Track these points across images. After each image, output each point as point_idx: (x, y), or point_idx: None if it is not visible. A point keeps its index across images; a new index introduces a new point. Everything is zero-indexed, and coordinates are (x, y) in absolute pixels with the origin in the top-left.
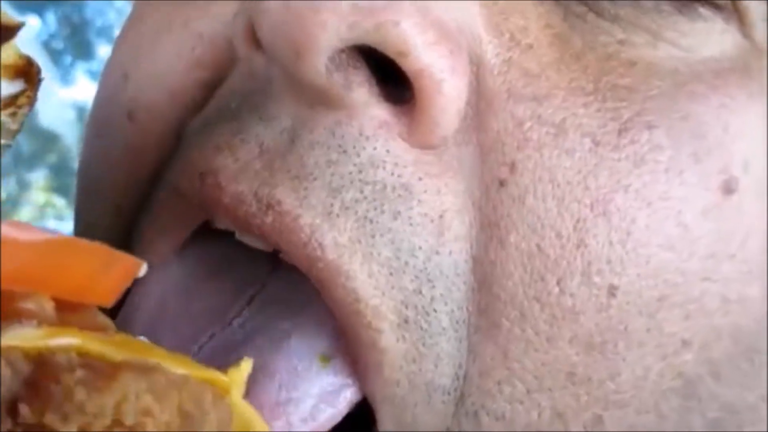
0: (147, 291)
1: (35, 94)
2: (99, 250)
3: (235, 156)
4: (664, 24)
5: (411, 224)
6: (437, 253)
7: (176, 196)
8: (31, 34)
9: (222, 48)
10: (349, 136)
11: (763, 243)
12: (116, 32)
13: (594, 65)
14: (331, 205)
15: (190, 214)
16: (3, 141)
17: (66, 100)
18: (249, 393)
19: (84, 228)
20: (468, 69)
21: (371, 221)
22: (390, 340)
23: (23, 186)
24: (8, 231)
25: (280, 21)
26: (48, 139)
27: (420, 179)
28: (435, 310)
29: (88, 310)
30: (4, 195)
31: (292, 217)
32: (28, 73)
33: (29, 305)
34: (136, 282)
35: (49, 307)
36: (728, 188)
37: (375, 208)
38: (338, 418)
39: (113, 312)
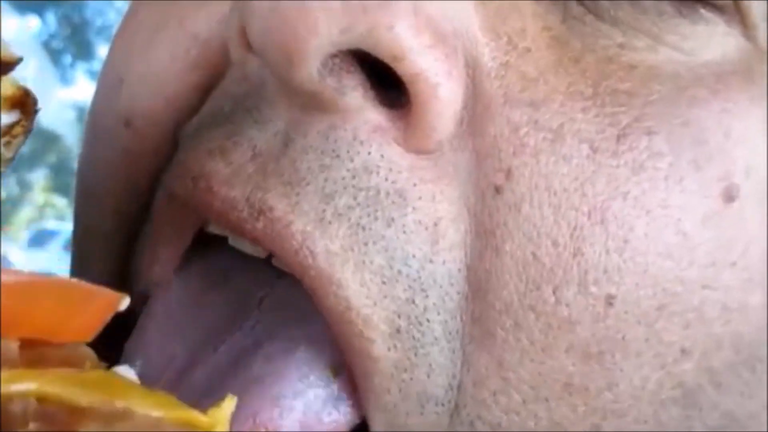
0: (154, 308)
1: (30, 124)
2: (74, 288)
3: (228, 160)
4: (665, 27)
5: (405, 232)
6: (431, 261)
7: (172, 201)
8: (31, 34)
9: (217, 49)
10: (342, 140)
11: (764, 250)
12: None
13: (593, 69)
14: (324, 211)
15: (188, 220)
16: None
17: (66, 100)
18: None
19: (83, 233)
20: (464, 73)
21: (364, 228)
22: (381, 350)
23: (23, 186)
24: None
25: (270, 25)
26: (48, 139)
27: (415, 185)
28: (428, 320)
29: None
30: (4, 195)
31: (284, 223)
32: (24, 103)
33: None
34: (143, 300)
35: (13, 347)
36: (729, 195)
37: (368, 215)
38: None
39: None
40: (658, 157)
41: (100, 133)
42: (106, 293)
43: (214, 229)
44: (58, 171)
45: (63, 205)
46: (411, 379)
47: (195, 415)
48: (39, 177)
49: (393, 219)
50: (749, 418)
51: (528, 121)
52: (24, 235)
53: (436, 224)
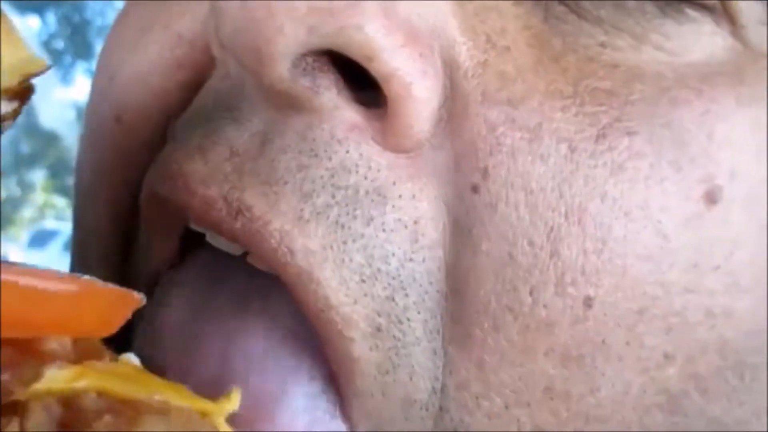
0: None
1: (20, 109)
2: (112, 292)
3: (206, 159)
4: (649, 26)
5: (384, 230)
6: (411, 260)
7: (156, 200)
8: (31, 34)
9: (201, 49)
10: (320, 139)
11: (753, 254)
12: None
13: (574, 68)
14: (302, 210)
15: (173, 218)
16: None
17: (66, 100)
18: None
19: (83, 234)
20: (441, 72)
21: (343, 227)
22: (362, 349)
23: (23, 186)
24: (31, 281)
25: (239, 26)
26: (48, 139)
27: (394, 184)
28: (408, 319)
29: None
30: (4, 195)
31: (262, 222)
32: (25, 95)
33: (52, 346)
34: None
35: (69, 347)
36: (712, 198)
37: (347, 213)
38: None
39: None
40: (639, 157)
41: (93, 130)
42: (131, 295)
43: (195, 227)
44: (58, 171)
45: (63, 205)
46: (394, 381)
47: (210, 405)
48: (39, 177)
49: (372, 217)
50: (737, 425)
51: (505, 120)
52: (24, 235)
53: (416, 222)
